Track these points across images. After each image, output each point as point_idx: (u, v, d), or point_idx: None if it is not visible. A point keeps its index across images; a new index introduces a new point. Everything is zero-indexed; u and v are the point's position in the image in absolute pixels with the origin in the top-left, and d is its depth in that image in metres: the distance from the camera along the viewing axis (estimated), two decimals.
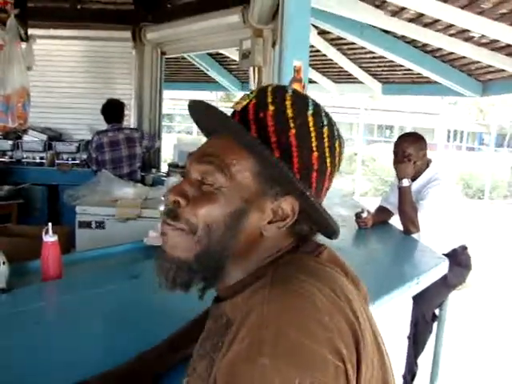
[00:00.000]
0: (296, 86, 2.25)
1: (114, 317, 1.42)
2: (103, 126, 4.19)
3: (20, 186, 4.48)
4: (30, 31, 3.47)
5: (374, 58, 4.93)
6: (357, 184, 12.21)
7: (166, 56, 5.01)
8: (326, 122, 0.76)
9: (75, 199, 3.34)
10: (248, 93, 0.78)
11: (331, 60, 5.14)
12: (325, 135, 0.75)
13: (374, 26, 3.95)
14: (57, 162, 4.75)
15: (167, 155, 7.02)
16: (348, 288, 0.71)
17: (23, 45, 3.16)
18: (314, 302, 0.64)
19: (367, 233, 2.69)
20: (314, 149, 0.74)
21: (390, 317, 1.87)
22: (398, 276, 1.99)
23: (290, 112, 0.73)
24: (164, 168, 4.97)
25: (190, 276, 0.75)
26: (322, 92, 6.55)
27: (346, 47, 4.85)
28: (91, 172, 4.18)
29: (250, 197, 0.74)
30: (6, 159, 4.77)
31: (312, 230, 0.79)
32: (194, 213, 0.73)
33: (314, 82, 5.95)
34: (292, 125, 0.73)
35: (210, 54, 6.03)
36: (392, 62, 4.78)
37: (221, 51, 5.52)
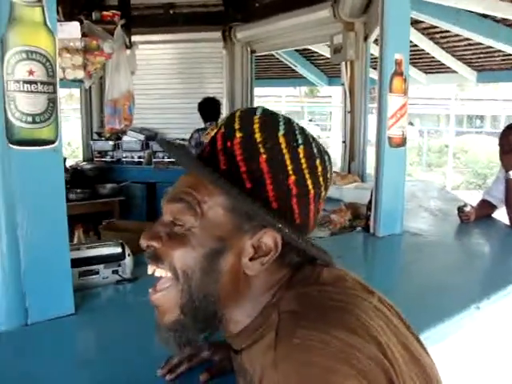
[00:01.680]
0: (397, 80, 2.22)
1: None
2: (195, 124, 4.34)
3: (121, 183, 4.76)
4: (133, 38, 3.67)
5: (469, 45, 4.72)
6: (448, 177, 11.69)
7: (256, 54, 5.10)
8: (301, 141, 0.70)
9: None
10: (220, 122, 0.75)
11: (423, 50, 4.98)
12: (301, 155, 0.70)
13: (471, 11, 3.78)
14: (154, 160, 4.99)
15: None
16: (363, 306, 0.66)
17: (127, 51, 3.36)
18: (327, 351, 0.58)
19: (470, 227, 2.59)
20: (290, 172, 0.69)
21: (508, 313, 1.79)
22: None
23: (258, 136, 0.69)
24: None
25: (188, 334, 0.72)
26: (413, 84, 6.36)
27: (439, 36, 4.68)
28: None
29: (226, 234, 0.69)
30: (107, 159, 5.08)
31: (306, 257, 0.73)
32: (170, 256, 0.70)
33: None
34: (262, 150, 0.68)
35: (298, 50, 6.05)
36: (490, 47, 4.54)
37: (311, 48, 5.52)
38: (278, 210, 0.68)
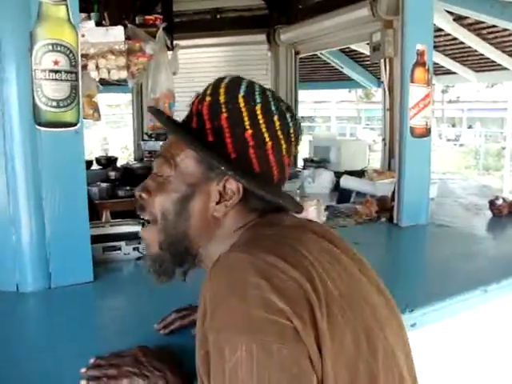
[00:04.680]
0: (419, 70, 2.24)
1: None
2: None
3: None
4: (176, 41, 3.85)
5: None
6: (505, 181, 11.21)
7: (300, 55, 5.18)
8: (259, 100, 0.81)
9: None
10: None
11: (469, 47, 4.88)
12: (258, 112, 0.81)
13: None
14: None
15: (305, 152, 7.17)
16: (307, 241, 0.76)
17: (169, 53, 3.54)
18: (246, 267, 0.67)
19: (502, 221, 2.55)
20: (248, 127, 0.80)
21: None
22: None
23: (222, 98, 0.81)
24: (300, 163, 5.14)
25: (164, 265, 0.86)
26: (464, 83, 6.23)
27: (485, 31, 4.57)
28: None
29: (195, 182, 0.82)
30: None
31: (270, 203, 0.83)
32: (152, 203, 0.84)
33: (453, 73, 5.69)
34: (224, 109, 0.81)
35: (344, 51, 6.07)
36: None
37: (354, 47, 5.53)
38: (236, 159, 0.80)
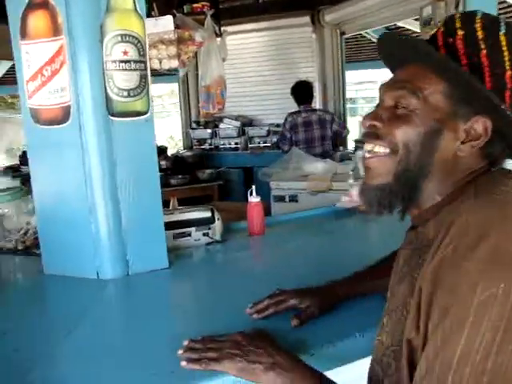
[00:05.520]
0: None
1: (313, 264, 1.57)
2: (289, 109, 4.44)
3: (219, 169, 5.00)
4: (222, 28, 3.85)
5: None
6: None
7: (345, 36, 5.09)
8: None
9: (269, 176, 3.63)
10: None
11: None
12: None
13: None
14: (250, 146, 5.18)
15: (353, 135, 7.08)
16: None
17: (218, 40, 3.54)
18: None
19: None
20: (508, 68, 0.75)
21: None
22: None
23: (480, 34, 0.75)
24: (351, 145, 5.07)
25: (391, 197, 0.81)
26: None
27: None
28: (281, 153, 4.44)
29: (443, 118, 0.77)
30: (206, 146, 5.35)
31: (504, 152, 0.80)
32: (392, 133, 0.79)
33: None
34: (483, 46, 0.75)
35: (390, 29, 5.91)
36: None
37: (400, 24, 5.39)
38: None
